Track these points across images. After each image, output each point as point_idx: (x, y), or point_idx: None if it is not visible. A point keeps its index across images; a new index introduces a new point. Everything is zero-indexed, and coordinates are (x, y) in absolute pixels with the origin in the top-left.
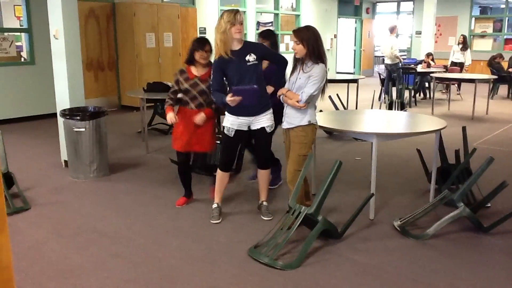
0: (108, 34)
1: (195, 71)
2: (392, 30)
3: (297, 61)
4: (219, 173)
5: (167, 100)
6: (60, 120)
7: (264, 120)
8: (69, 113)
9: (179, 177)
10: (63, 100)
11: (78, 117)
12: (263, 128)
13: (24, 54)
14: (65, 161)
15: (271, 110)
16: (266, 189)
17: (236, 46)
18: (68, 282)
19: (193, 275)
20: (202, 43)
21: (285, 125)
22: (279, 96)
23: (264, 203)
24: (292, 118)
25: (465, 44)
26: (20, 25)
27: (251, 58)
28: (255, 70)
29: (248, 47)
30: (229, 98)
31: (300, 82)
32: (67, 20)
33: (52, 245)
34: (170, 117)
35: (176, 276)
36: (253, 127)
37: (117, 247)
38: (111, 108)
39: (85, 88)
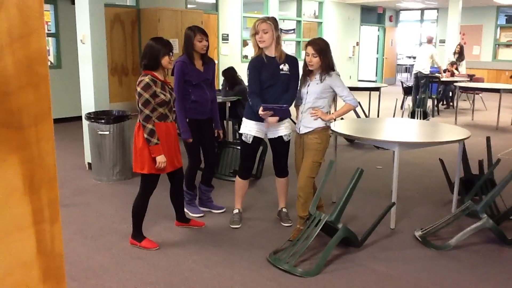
0: (133, 39)
1: (161, 77)
2: (430, 40)
3: (306, 73)
4: (238, 180)
5: (150, 127)
6: (85, 123)
7: (281, 129)
8: (94, 117)
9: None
10: (88, 103)
11: (103, 121)
12: (280, 137)
13: (51, 58)
14: (89, 164)
15: (288, 119)
16: (285, 196)
17: (272, 53)
18: (90, 283)
19: (212, 279)
20: (170, 46)
21: (302, 130)
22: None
23: (284, 209)
24: (309, 122)
25: (461, 55)
26: (48, 30)
27: (285, 68)
28: (286, 80)
29: (285, 57)
30: (261, 112)
31: (314, 90)
32: (94, 25)
33: (75, 245)
34: (163, 161)
35: (196, 280)
36: (271, 136)
37: (138, 249)
38: (135, 112)
39: (109, 93)
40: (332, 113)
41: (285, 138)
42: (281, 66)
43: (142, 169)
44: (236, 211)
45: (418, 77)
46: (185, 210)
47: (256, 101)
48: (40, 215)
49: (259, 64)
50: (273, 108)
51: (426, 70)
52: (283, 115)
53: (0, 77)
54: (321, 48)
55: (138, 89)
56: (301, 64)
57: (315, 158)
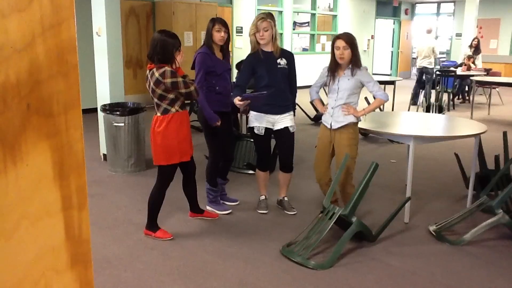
0: (148, 32)
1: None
2: (430, 31)
3: (333, 69)
4: (259, 173)
5: (191, 88)
6: (101, 115)
7: (287, 120)
8: (109, 109)
9: (184, 191)
10: (104, 95)
11: (118, 113)
12: (286, 128)
13: None
14: (104, 155)
15: (292, 112)
16: (286, 187)
17: (269, 48)
18: (105, 272)
19: (226, 270)
20: (178, 38)
21: (334, 125)
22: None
23: (285, 198)
24: (342, 117)
25: (477, 49)
26: None
27: (282, 62)
28: (284, 73)
29: (281, 52)
30: (237, 102)
31: (347, 86)
32: (110, 18)
33: (90, 235)
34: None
35: (209, 271)
36: (277, 127)
37: (152, 240)
38: (149, 104)
39: (124, 85)
40: (364, 109)
41: (291, 129)
42: (278, 61)
43: (159, 161)
44: (262, 197)
45: (423, 72)
46: (210, 208)
47: (235, 92)
48: (68, 201)
49: (254, 61)
50: (250, 97)
51: (432, 65)
52: (260, 101)
53: (32, 65)
54: (352, 40)
55: (167, 80)
56: (318, 61)
57: (352, 153)
